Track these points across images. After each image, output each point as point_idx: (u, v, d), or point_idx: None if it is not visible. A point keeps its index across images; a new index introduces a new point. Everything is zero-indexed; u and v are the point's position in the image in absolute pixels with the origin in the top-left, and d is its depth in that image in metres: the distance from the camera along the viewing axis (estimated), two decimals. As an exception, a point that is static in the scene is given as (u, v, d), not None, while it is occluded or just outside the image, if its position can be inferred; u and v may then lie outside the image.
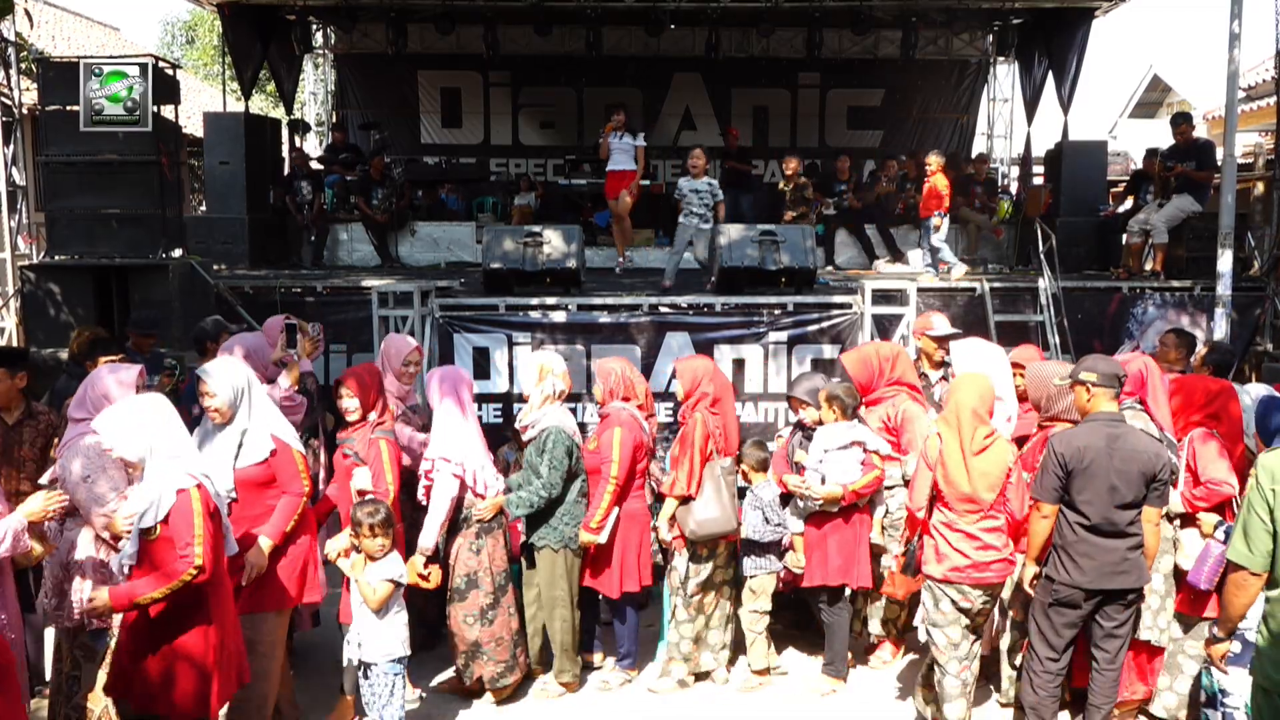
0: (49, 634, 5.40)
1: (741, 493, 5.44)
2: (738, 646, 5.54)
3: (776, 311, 8.32)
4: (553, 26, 13.37)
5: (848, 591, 5.38)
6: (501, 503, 5.10)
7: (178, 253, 8.70)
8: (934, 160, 10.29)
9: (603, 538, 5.15)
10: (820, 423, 5.24)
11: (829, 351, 8.16)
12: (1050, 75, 12.85)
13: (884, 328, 8.09)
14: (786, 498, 5.34)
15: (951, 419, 4.55)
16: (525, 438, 5.20)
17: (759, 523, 5.29)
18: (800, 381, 5.60)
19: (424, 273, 11.03)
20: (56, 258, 8.47)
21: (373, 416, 4.93)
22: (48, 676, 5.32)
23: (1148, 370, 4.81)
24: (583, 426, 6.91)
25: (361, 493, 4.75)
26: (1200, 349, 6.34)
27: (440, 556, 5.08)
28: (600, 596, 5.50)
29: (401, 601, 4.51)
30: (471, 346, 8.13)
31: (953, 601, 4.54)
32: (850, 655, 5.52)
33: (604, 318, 8.30)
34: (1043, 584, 4.51)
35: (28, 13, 8.31)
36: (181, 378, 6.48)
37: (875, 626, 5.62)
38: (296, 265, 11.45)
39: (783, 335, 8.21)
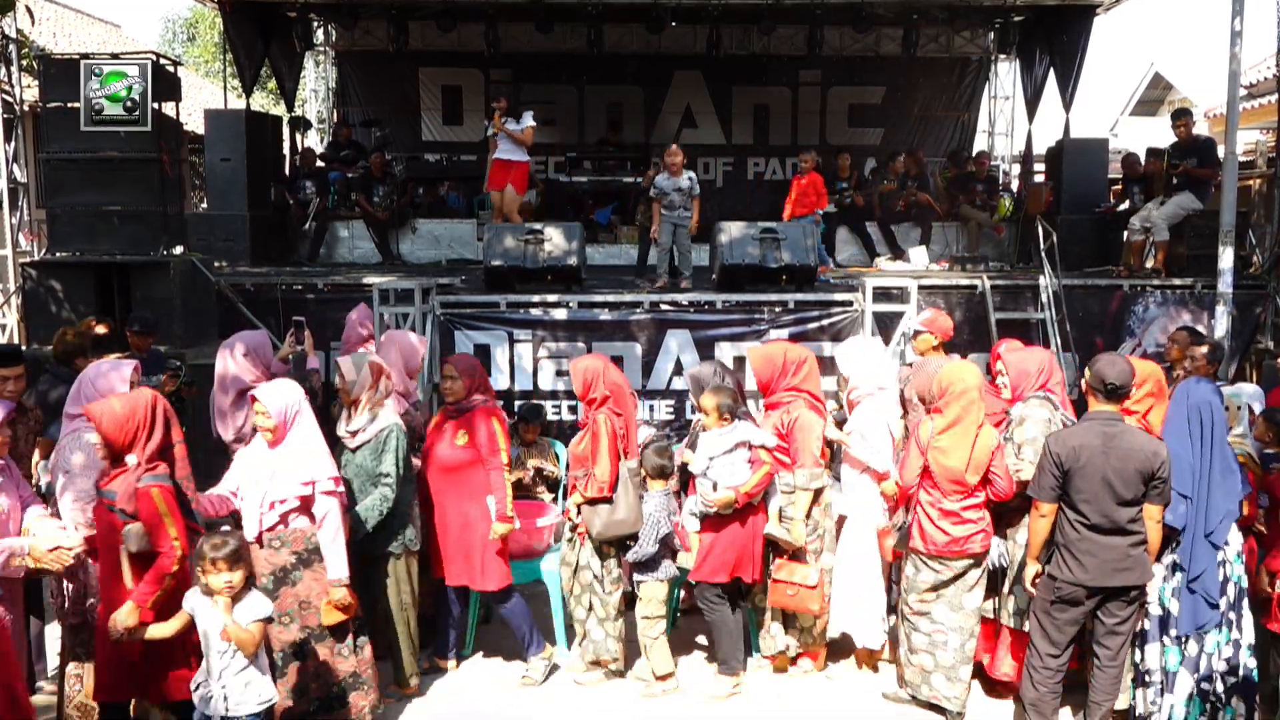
0: (49, 633, 5.43)
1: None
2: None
3: (777, 309, 8.33)
4: (554, 24, 13.36)
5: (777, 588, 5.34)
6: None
7: (179, 250, 8.70)
8: (809, 158, 10.40)
9: (518, 524, 5.26)
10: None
11: (829, 349, 8.14)
12: (1051, 73, 12.84)
13: (885, 325, 8.09)
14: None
15: (943, 406, 4.76)
16: (356, 442, 4.93)
17: (642, 533, 5.28)
18: (695, 383, 5.55)
19: (425, 270, 11.04)
20: (58, 255, 8.48)
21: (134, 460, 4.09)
22: (50, 673, 5.35)
23: (1052, 363, 5.08)
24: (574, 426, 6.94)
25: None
26: (1199, 348, 6.34)
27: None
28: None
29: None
30: (472, 344, 8.13)
31: (934, 572, 4.82)
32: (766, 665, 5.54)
33: (605, 315, 8.31)
34: (1045, 582, 4.53)
35: (29, 10, 8.28)
36: (185, 379, 6.47)
37: (789, 639, 5.45)
38: (298, 262, 11.45)
39: (784, 333, 8.22)
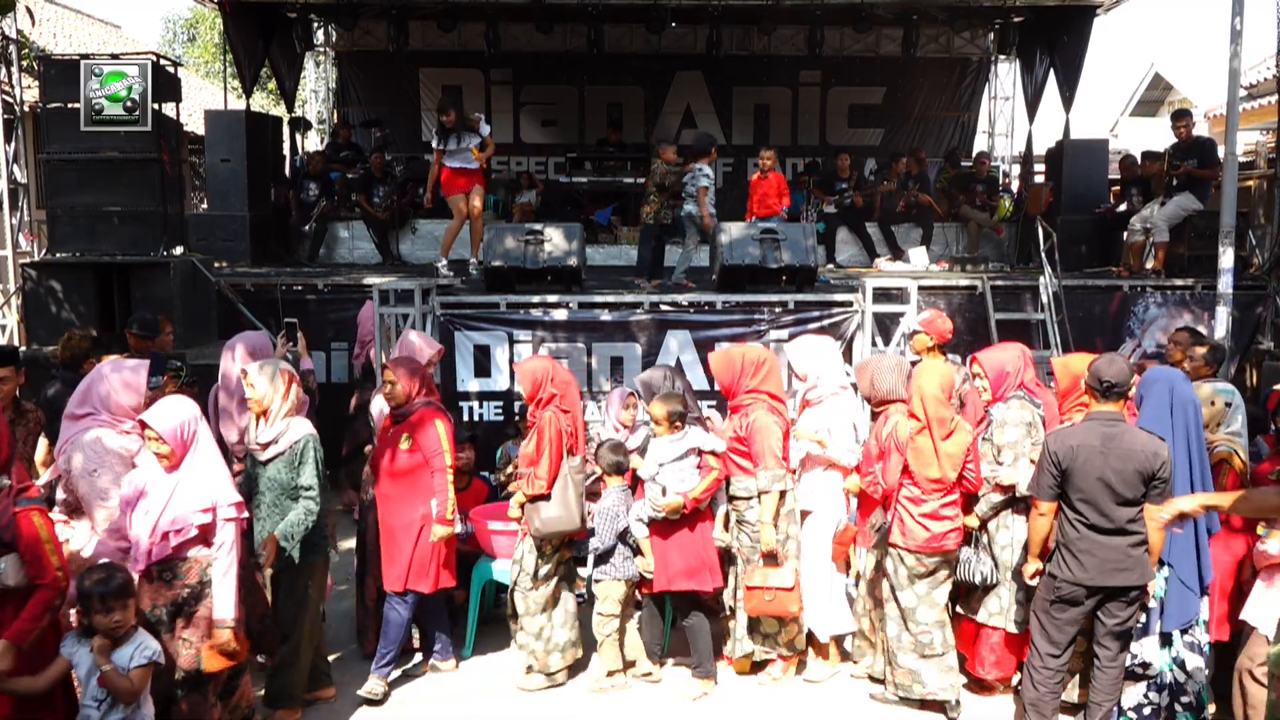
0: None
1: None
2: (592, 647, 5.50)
3: (777, 309, 8.32)
4: (554, 24, 13.38)
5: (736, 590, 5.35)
6: (277, 540, 4.62)
7: (179, 250, 8.71)
8: (770, 156, 10.17)
9: (459, 527, 5.25)
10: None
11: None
12: (1052, 73, 12.84)
13: (885, 326, 8.09)
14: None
15: (919, 407, 4.89)
16: (268, 454, 4.69)
17: (599, 528, 5.32)
18: (646, 389, 5.54)
19: (425, 270, 11.03)
20: (58, 255, 8.48)
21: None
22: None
23: (1024, 357, 5.18)
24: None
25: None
26: (1199, 349, 6.34)
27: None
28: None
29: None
30: (472, 344, 8.13)
31: (908, 567, 4.94)
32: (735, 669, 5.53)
33: (605, 315, 8.30)
34: (1045, 581, 4.53)
35: (29, 10, 8.31)
36: (186, 379, 6.47)
37: (754, 643, 5.42)
38: (298, 262, 11.46)
39: (784, 333, 8.21)
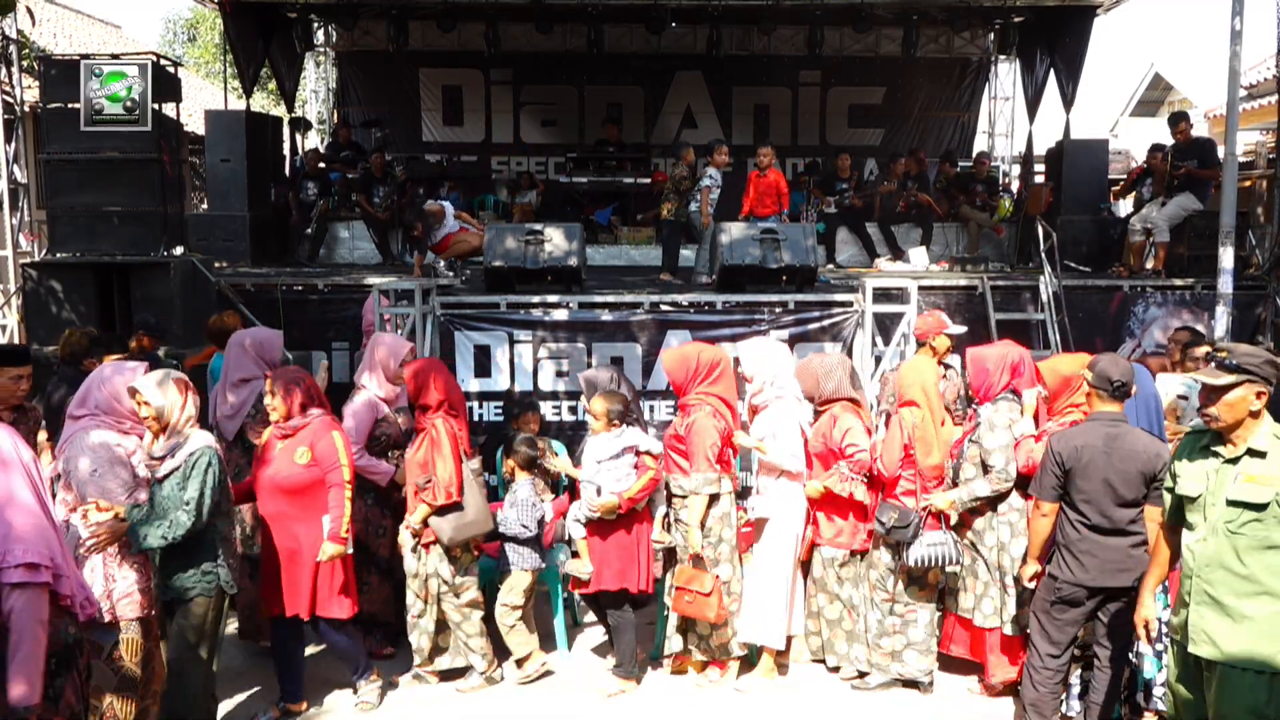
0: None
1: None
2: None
3: (778, 310, 8.33)
4: (554, 24, 13.37)
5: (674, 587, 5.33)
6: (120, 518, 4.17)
7: (179, 250, 8.71)
8: (769, 154, 10.10)
9: (351, 548, 4.87)
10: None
11: (830, 350, 8.15)
12: (1052, 73, 12.84)
13: (885, 326, 8.09)
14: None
15: (920, 400, 5.09)
16: (163, 470, 4.28)
17: (513, 520, 5.36)
18: (589, 386, 5.54)
19: (425, 270, 11.02)
20: (58, 255, 8.48)
21: None
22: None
23: (1024, 360, 5.21)
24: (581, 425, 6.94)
25: None
26: (1197, 349, 6.34)
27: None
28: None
29: None
30: (473, 344, 8.13)
31: (892, 551, 5.16)
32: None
33: (605, 316, 8.30)
34: (1046, 582, 4.53)
35: (29, 10, 8.32)
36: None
37: (689, 645, 5.43)
38: (298, 262, 11.46)
39: (784, 334, 8.21)
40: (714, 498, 5.17)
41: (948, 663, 5.47)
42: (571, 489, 5.73)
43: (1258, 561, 3.45)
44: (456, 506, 5.06)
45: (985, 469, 5.02)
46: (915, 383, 5.18)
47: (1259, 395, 3.51)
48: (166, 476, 4.28)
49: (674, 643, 5.42)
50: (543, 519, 5.49)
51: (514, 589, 5.39)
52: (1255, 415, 3.52)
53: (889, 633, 5.23)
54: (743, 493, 5.99)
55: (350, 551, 4.86)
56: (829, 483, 5.19)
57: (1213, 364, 3.59)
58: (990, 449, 4.99)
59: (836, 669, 5.47)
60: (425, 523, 5.12)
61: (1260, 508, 3.44)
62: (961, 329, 6.40)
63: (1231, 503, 3.50)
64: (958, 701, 5.27)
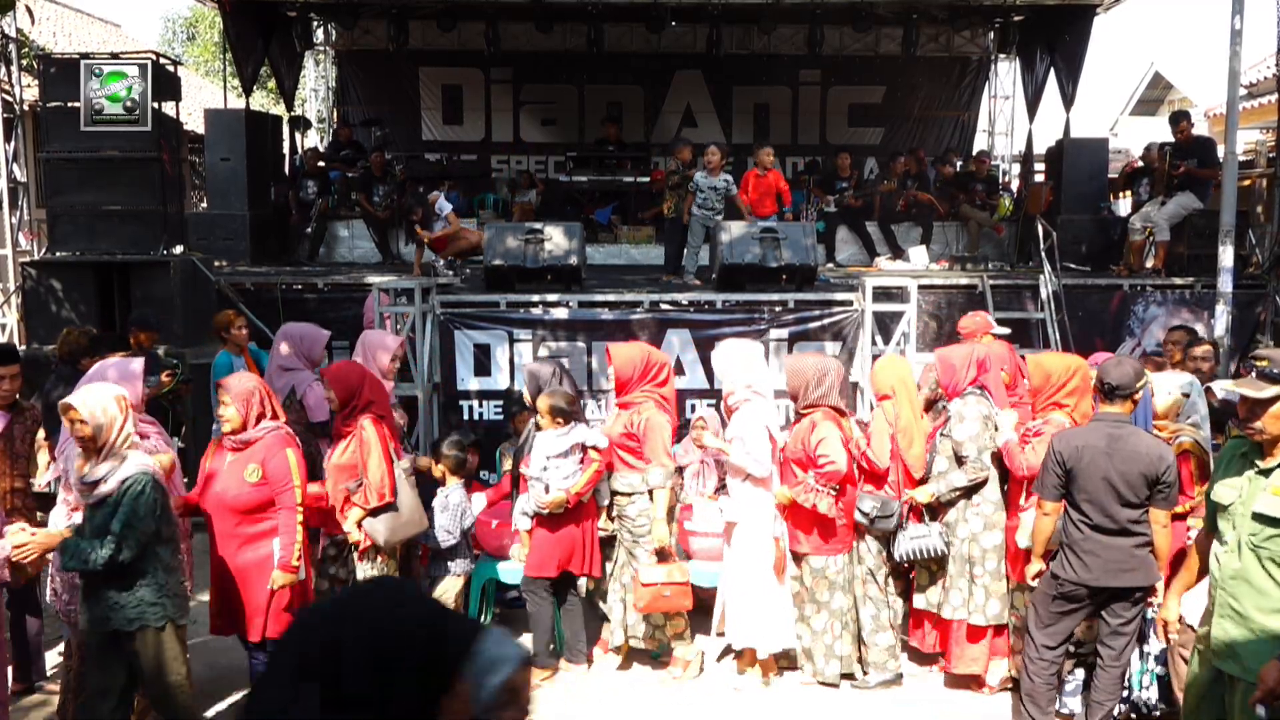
0: (50, 632, 5.43)
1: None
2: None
3: (778, 309, 8.33)
4: (554, 23, 13.36)
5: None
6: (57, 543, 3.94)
7: (179, 249, 8.71)
8: (769, 154, 10.03)
9: (303, 574, 4.59)
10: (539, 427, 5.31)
11: (830, 349, 8.16)
12: (1052, 72, 12.84)
13: (885, 325, 8.09)
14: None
15: (900, 393, 5.24)
16: (96, 496, 3.93)
17: (440, 526, 5.31)
18: (533, 381, 5.54)
19: (425, 269, 11.03)
20: (58, 254, 8.48)
21: None
22: (50, 672, 5.35)
23: (989, 357, 5.31)
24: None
25: None
26: (1197, 349, 6.33)
27: None
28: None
29: None
30: (472, 344, 8.13)
31: (879, 544, 5.27)
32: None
33: (605, 314, 8.30)
34: (1048, 578, 4.54)
35: (29, 9, 8.28)
36: (184, 377, 6.51)
37: (622, 636, 5.45)
38: (298, 262, 11.46)
39: (784, 332, 8.21)
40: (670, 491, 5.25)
41: (914, 655, 5.56)
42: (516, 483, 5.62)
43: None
44: (390, 507, 4.94)
45: (959, 461, 5.12)
46: (891, 377, 5.34)
47: None
48: (100, 504, 3.89)
49: (616, 636, 5.46)
50: (469, 528, 5.42)
51: (445, 592, 5.34)
52: None
53: (881, 628, 5.26)
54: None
55: (303, 578, 4.59)
56: (794, 493, 5.16)
57: (1254, 374, 3.43)
58: (961, 440, 5.10)
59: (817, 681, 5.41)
60: (359, 526, 4.95)
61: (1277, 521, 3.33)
62: (1006, 330, 6.48)
63: (1257, 516, 3.38)
64: (958, 701, 5.27)
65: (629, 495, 5.29)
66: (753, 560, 5.30)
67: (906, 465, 5.27)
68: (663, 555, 5.19)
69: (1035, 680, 4.56)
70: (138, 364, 4.73)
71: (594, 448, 5.26)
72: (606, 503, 5.45)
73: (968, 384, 5.24)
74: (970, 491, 5.16)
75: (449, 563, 5.39)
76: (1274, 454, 3.41)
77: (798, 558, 5.32)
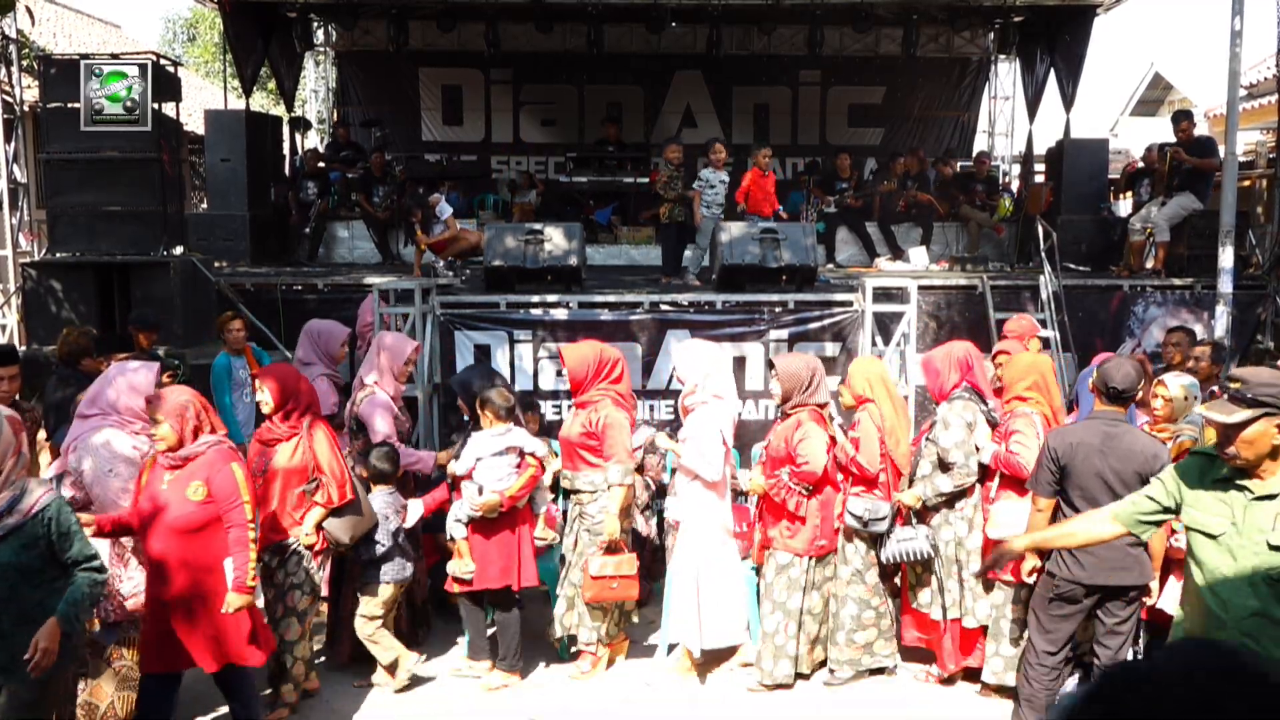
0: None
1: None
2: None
3: (777, 309, 8.33)
4: (554, 24, 13.37)
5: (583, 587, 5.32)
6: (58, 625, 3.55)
7: (179, 250, 8.71)
8: (769, 155, 9.99)
9: (260, 599, 4.42)
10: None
11: (830, 349, 8.16)
12: (1052, 73, 12.85)
13: (885, 325, 8.09)
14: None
15: (880, 393, 5.24)
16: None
17: (374, 534, 5.25)
18: (463, 389, 5.54)
19: (425, 270, 11.03)
20: (58, 255, 8.48)
21: None
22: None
23: (970, 355, 5.36)
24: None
25: None
26: (1197, 349, 6.34)
27: None
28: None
29: None
30: (473, 344, 8.13)
31: (859, 549, 5.28)
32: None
33: (605, 315, 8.30)
34: (1044, 579, 4.55)
35: (29, 10, 8.30)
36: (184, 377, 6.51)
37: (586, 635, 5.45)
38: (298, 262, 11.47)
39: (784, 333, 8.21)
40: (628, 488, 5.25)
41: (905, 655, 5.58)
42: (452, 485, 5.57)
43: None
44: (352, 505, 4.87)
45: (944, 466, 5.15)
46: (867, 378, 5.32)
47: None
48: (3, 539, 3.51)
49: (555, 630, 5.48)
50: (398, 531, 5.31)
51: (375, 600, 5.25)
52: None
53: (864, 626, 5.29)
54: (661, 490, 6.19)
55: (255, 601, 4.32)
56: (766, 485, 5.20)
57: (1225, 396, 3.18)
58: (947, 447, 5.12)
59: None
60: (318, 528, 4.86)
61: None
62: (1052, 333, 6.54)
63: (1276, 549, 3.05)
64: (957, 701, 5.27)
65: (591, 493, 5.26)
66: (696, 561, 5.31)
67: (895, 465, 5.28)
68: (613, 548, 5.18)
69: (1035, 685, 4.56)
70: (148, 376, 4.69)
71: (531, 454, 5.25)
72: (541, 511, 5.48)
73: (953, 386, 5.27)
74: (952, 498, 5.20)
75: (379, 570, 5.21)
76: (1263, 475, 3.13)
77: (765, 550, 5.36)
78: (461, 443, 5.33)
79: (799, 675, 5.35)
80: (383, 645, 5.25)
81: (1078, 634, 4.72)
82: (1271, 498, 3.11)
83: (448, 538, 5.37)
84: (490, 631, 5.57)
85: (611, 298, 8.47)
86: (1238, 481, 3.17)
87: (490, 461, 5.14)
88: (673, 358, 5.71)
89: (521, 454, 5.23)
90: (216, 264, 9.72)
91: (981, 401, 5.24)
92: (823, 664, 5.45)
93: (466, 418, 5.51)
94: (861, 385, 5.33)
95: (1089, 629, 4.65)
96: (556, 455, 6.52)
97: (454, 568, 5.27)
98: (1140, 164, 11.20)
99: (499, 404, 5.19)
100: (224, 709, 4.75)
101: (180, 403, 4.19)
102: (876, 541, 5.24)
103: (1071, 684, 4.91)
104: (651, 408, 8.14)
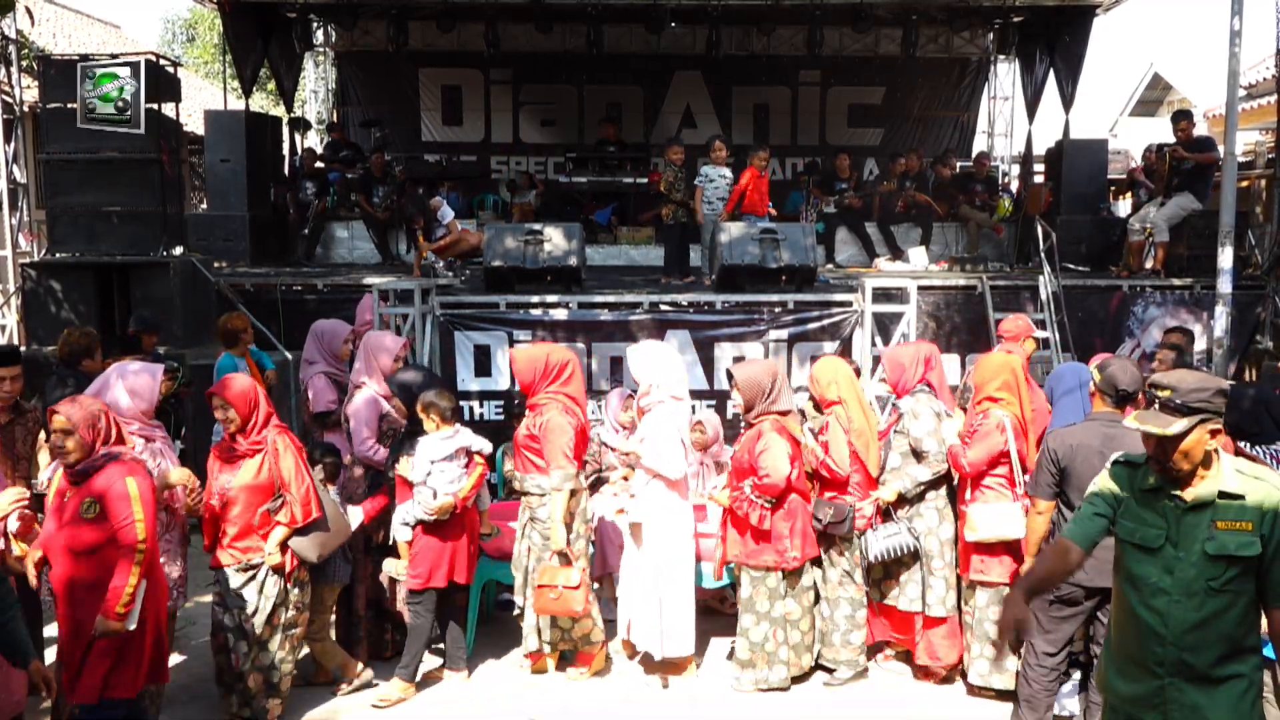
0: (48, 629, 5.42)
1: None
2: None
3: (777, 309, 8.33)
4: (554, 24, 13.37)
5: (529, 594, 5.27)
6: None
7: (179, 250, 8.72)
8: (762, 155, 9.96)
9: (133, 625, 3.88)
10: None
11: (829, 349, 8.17)
12: (1051, 73, 12.85)
13: (884, 325, 8.10)
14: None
15: (851, 398, 5.24)
16: None
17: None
18: (404, 391, 5.44)
19: (425, 270, 11.03)
20: (57, 255, 8.49)
21: None
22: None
23: (934, 355, 5.41)
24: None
25: None
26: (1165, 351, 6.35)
27: None
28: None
29: None
30: (472, 344, 8.14)
31: (845, 551, 5.25)
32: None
33: (605, 315, 8.31)
34: (1044, 581, 4.53)
35: (29, 10, 8.31)
36: (184, 380, 6.51)
37: (535, 642, 5.39)
38: (297, 262, 11.47)
39: (783, 333, 8.23)
40: (573, 493, 5.14)
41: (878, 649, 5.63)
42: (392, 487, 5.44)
43: (1243, 617, 2.94)
44: (318, 523, 4.70)
45: (918, 456, 5.18)
46: (834, 380, 5.31)
47: (1213, 433, 2.92)
48: None
49: (530, 641, 5.37)
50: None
51: (317, 603, 5.10)
52: (1213, 452, 2.96)
53: (858, 626, 5.28)
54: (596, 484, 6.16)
55: (131, 628, 3.86)
56: (729, 499, 5.17)
57: (1155, 405, 2.96)
58: (920, 436, 5.16)
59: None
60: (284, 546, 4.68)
61: (1248, 561, 2.88)
62: (1046, 334, 6.52)
63: (1215, 558, 2.90)
64: (956, 701, 5.27)
65: (539, 496, 5.21)
66: (657, 563, 5.27)
67: (866, 467, 5.26)
68: (561, 557, 5.07)
69: (1034, 686, 4.55)
70: (149, 378, 4.66)
71: (479, 452, 5.23)
72: (486, 508, 5.48)
73: (916, 382, 5.31)
74: (929, 486, 5.22)
75: (327, 572, 5.09)
76: (1194, 482, 2.96)
77: (737, 565, 5.30)
78: (409, 447, 5.23)
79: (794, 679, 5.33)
80: (330, 648, 5.23)
81: (1079, 634, 4.72)
82: (1205, 505, 2.94)
83: (391, 540, 5.29)
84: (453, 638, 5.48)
85: (611, 298, 8.47)
86: (1169, 491, 2.99)
87: (442, 465, 5.09)
88: (627, 359, 5.62)
89: (469, 454, 5.20)
90: (216, 264, 9.73)
91: (935, 400, 5.30)
92: (813, 671, 5.41)
93: (406, 421, 5.41)
94: (829, 386, 5.31)
95: (1090, 629, 4.65)
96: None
97: (390, 568, 5.24)
98: (1142, 169, 11.19)
99: (444, 406, 5.13)
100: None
101: (91, 413, 3.90)
102: (856, 540, 5.22)
103: (1073, 682, 4.92)
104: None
